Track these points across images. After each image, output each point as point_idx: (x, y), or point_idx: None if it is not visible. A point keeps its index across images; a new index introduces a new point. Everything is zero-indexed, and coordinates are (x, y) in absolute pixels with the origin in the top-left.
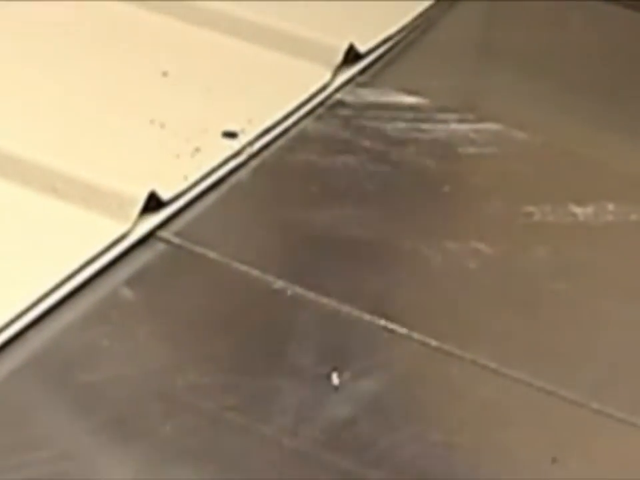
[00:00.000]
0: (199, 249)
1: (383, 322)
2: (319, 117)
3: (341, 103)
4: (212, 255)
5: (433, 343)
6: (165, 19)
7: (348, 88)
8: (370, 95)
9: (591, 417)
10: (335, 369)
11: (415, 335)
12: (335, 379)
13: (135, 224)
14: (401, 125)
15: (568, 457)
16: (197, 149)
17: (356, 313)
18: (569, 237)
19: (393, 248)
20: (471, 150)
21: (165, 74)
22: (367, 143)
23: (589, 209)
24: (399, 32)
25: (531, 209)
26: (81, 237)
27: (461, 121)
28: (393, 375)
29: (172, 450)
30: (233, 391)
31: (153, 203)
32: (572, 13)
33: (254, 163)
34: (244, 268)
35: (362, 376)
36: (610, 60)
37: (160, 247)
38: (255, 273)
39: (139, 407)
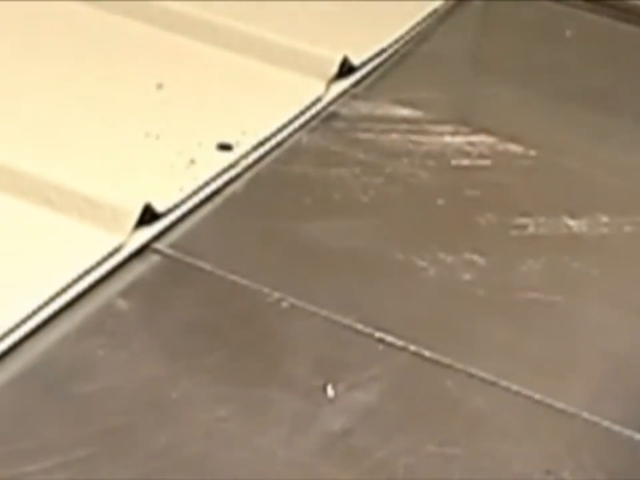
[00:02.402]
0: (193, 261)
1: (377, 334)
2: (313, 129)
3: (334, 115)
4: (207, 266)
5: (427, 354)
6: (160, 32)
7: (342, 100)
8: (364, 107)
9: (584, 428)
10: (329, 381)
11: (409, 347)
12: (330, 391)
13: (130, 236)
14: (395, 137)
15: (561, 469)
16: (192, 161)
17: (350, 324)
18: (562, 249)
19: (387, 260)
20: (465, 162)
21: (159, 86)
22: (360, 155)
23: (583, 221)
24: (392, 44)
25: (524, 220)
26: (76, 248)
27: (454, 133)
28: (387, 387)
29: (166, 461)
30: (227, 402)
31: (148, 215)
32: (565, 25)
33: (248, 175)
34: (238, 280)
35: (356, 387)
36: (603, 72)
37: (155, 258)
38: (250, 284)
39: (134, 417)
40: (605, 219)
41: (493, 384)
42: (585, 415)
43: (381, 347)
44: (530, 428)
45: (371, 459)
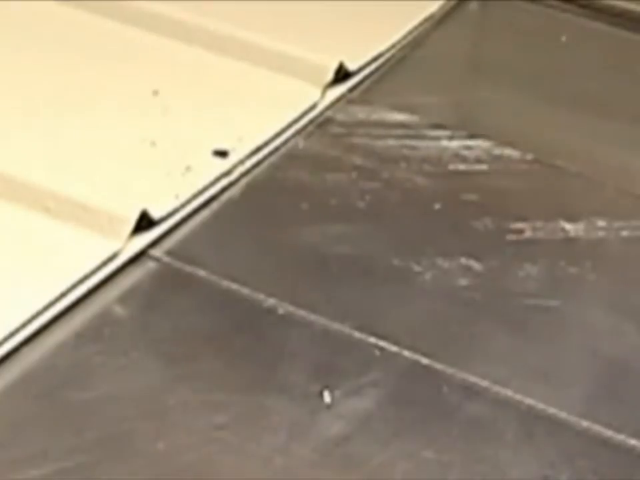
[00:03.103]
0: (190, 268)
1: (373, 340)
2: (309, 135)
3: (331, 121)
4: (203, 273)
5: (424, 360)
6: (156, 38)
7: (338, 105)
8: (360, 113)
9: (581, 434)
10: (326, 387)
11: (406, 353)
12: (327, 397)
13: (127, 242)
14: (392, 142)
15: (558, 475)
16: (188, 168)
17: (347, 330)
18: (559, 254)
19: (383, 265)
20: (462, 167)
21: (155, 93)
22: (357, 161)
23: (580, 225)
24: (388, 49)
25: (521, 225)
26: (73, 255)
27: (451, 137)
28: (384, 393)
29: (164, 468)
30: (224, 409)
31: (145, 222)
32: (560, 30)
33: (245, 181)
34: (235, 286)
35: (353, 394)
36: (599, 77)
37: (152, 265)
38: (246, 291)
39: (131, 424)
40: (601, 223)
41: (490, 390)
42: (582, 421)
43: (377, 352)
44: (527, 434)
45: (368, 465)
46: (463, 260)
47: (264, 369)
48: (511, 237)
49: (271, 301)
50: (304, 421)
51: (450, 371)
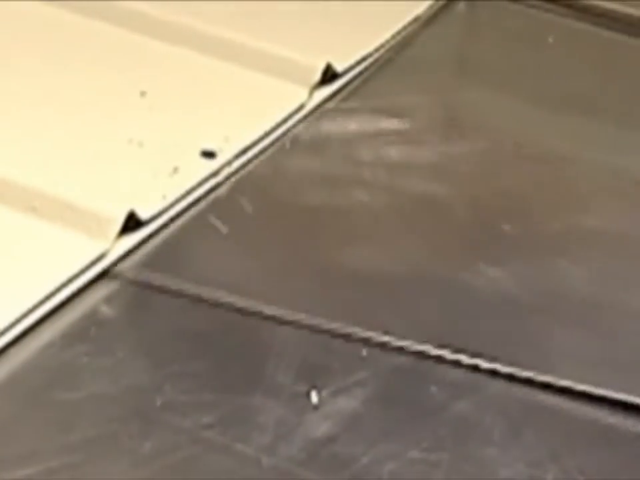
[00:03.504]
0: (178, 268)
1: (360, 338)
2: (297, 135)
3: (318, 123)
4: (191, 274)
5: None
6: (143, 39)
7: (325, 107)
8: (348, 116)
9: (569, 430)
10: (313, 387)
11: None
12: (314, 397)
13: (114, 243)
14: (383, 146)
15: (545, 475)
16: (176, 169)
17: (335, 330)
18: (588, 248)
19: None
20: (464, 169)
21: (142, 94)
22: (348, 166)
23: (594, 217)
24: (376, 50)
25: (541, 223)
26: (59, 256)
27: (444, 140)
28: (371, 393)
29: (151, 468)
30: (211, 409)
31: (132, 222)
32: (548, 31)
33: (232, 181)
34: (223, 286)
35: (341, 394)
36: (586, 77)
37: (139, 265)
38: (235, 290)
39: (118, 425)
40: (614, 213)
41: (476, 388)
42: (571, 416)
43: (364, 352)
44: (515, 433)
45: (356, 465)
46: (504, 263)
47: (251, 369)
48: (537, 236)
49: (258, 301)
50: (291, 421)
51: (428, 370)
